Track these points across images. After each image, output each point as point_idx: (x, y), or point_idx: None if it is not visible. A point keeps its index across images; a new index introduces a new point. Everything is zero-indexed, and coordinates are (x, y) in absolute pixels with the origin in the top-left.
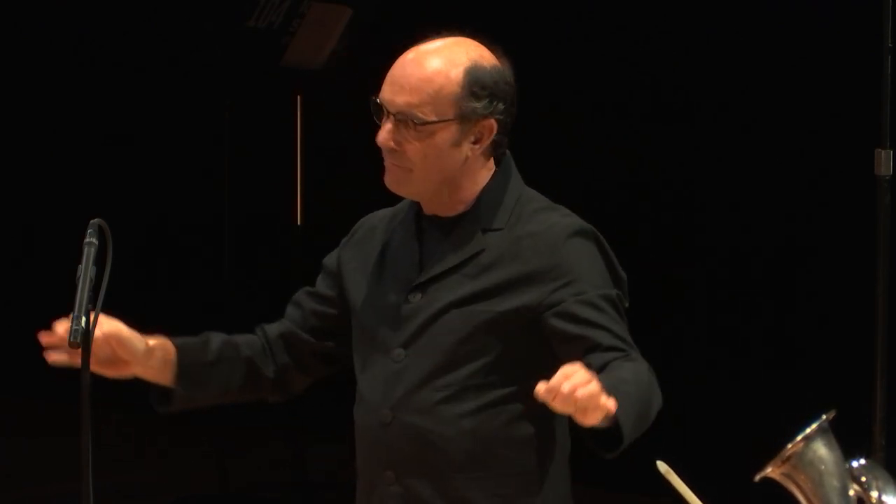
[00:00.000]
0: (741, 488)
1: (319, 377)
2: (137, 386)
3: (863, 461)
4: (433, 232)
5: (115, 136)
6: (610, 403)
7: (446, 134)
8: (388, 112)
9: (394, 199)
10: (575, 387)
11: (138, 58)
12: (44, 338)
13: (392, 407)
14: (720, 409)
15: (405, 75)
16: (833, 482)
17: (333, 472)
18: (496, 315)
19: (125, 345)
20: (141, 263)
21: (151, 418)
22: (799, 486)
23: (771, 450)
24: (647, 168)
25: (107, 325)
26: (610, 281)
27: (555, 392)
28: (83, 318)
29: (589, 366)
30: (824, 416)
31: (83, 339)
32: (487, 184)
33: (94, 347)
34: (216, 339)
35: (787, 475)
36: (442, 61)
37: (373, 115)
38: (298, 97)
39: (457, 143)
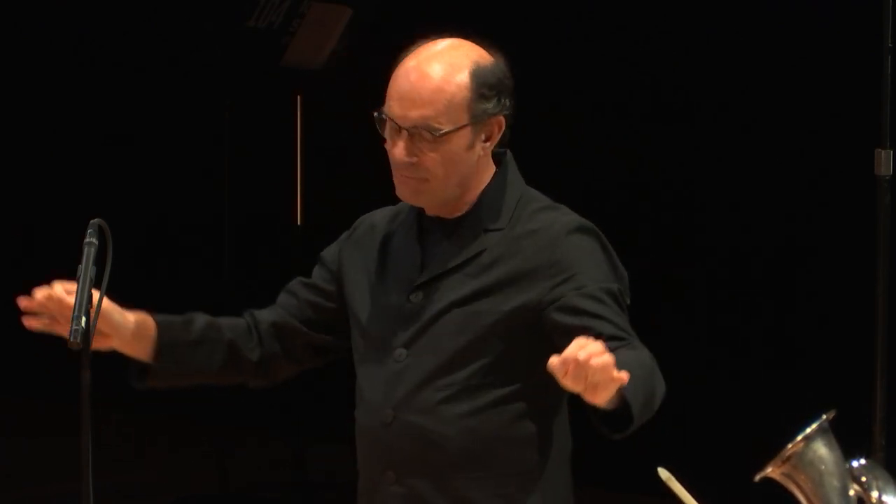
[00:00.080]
0: (741, 488)
1: (307, 367)
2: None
3: (863, 461)
4: (435, 232)
5: (115, 136)
6: (623, 375)
7: (461, 139)
8: (400, 127)
9: (394, 198)
10: (590, 355)
11: (138, 58)
12: (22, 302)
13: (393, 407)
14: (720, 409)
15: (414, 89)
16: (833, 482)
17: (333, 472)
18: (498, 314)
19: (105, 317)
20: (141, 263)
21: (151, 418)
22: (799, 486)
23: (771, 450)
24: (647, 168)
25: (94, 299)
26: (611, 276)
27: (568, 363)
28: (83, 318)
29: None
30: (824, 416)
31: (83, 339)
32: (489, 184)
33: (70, 314)
34: (200, 319)
35: (788, 475)
36: (447, 69)
37: (377, 127)
38: (298, 97)
39: (471, 146)
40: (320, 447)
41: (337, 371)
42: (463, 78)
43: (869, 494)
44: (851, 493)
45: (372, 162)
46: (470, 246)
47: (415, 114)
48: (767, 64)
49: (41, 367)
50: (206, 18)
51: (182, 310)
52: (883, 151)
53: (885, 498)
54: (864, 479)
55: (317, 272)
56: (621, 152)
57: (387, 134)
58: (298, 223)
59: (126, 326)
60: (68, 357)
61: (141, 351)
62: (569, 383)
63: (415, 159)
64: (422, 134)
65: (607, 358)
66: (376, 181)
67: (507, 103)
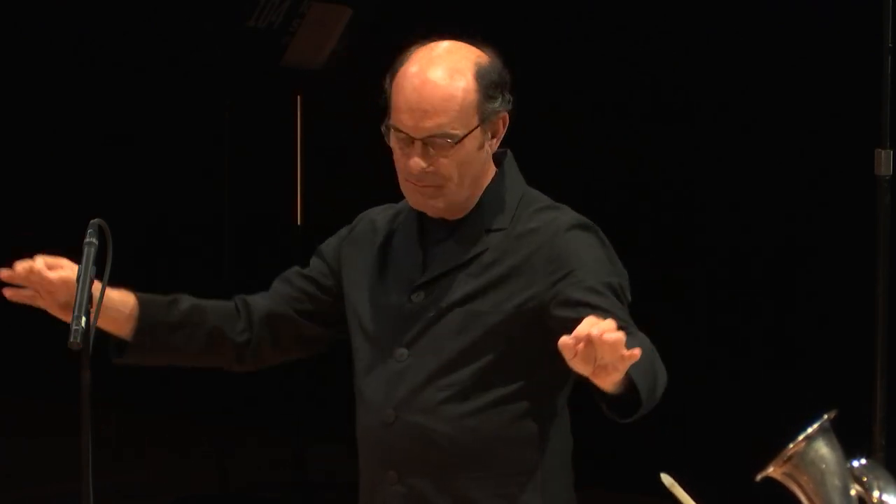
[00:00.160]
0: (741, 488)
1: (292, 357)
2: (138, 386)
3: (864, 461)
4: (436, 233)
5: (115, 136)
6: (635, 351)
7: (474, 140)
8: (413, 139)
9: (394, 198)
10: (602, 331)
11: (138, 58)
12: (3, 273)
13: (395, 407)
14: (720, 409)
15: (425, 99)
16: (835, 482)
17: (333, 472)
18: (499, 313)
19: None
20: (141, 263)
21: (151, 418)
22: (800, 486)
23: (771, 450)
24: (647, 168)
25: (65, 271)
26: (610, 271)
27: (580, 340)
28: (83, 318)
29: None
30: (826, 416)
31: (83, 339)
32: (490, 184)
33: (52, 288)
34: (185, 301)
35: (789, 475)
36: (452, 73)
37: (385, 139)
38: (298, 97)
39: (481, 146)
40: (320, 447)
41: (337, 371)
42: (469, 81)
43: (870, 494)
44: (853, 492)
45: (372, 162)
46: (472, 246)
47: (429, 123)
48: (767, 64)
49: (41, 367)
50: (206, 18)
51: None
52: (883, 151)
53: (885, 498)
54: (865, 478)
55: (315, 265)
56: (621, 152)
57: (397, 146)
58: (298, 223)
59: (105, 302)
60: (68, 357)
61: (119, 327)
62: (578, 365)
63: (430, 167)
64: (436, 142)
65: (620, 335)
66: (376, 181)
67: (509, 98)
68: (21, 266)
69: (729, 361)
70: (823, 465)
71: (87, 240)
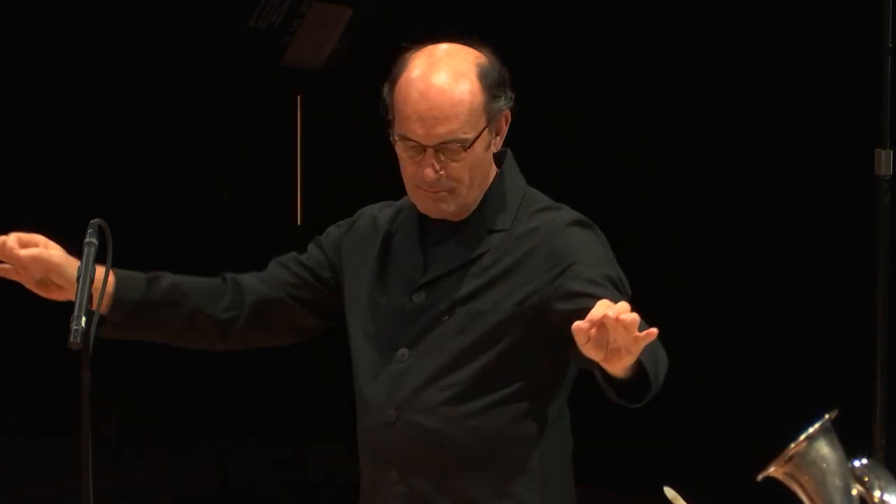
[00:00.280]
0: (741, 488)
1: (280, 343)
2: (138, 386)
3: (865, 461)
4: (437, 233)
5: (115, 136)
6: (652, 330)
7: (482, 141)
8: (425, 147)
9: (393, 197)
10: (618, 312)
11: (138, 58)
12: None
13: (396, 407)
14: (720, 409)
15: (434, 106)
16: (836, 481)
17: (333, 472)
18: (500, 312)
19: (57, 271)
20: (141, 263)
21: (151, 418)
22: (802, 486)
23: (771, 450)
24: (647, 168)
25: (37, 249)
26: (609, 265)
27: (594, 324)
28: (83, 318)
29: None
30: (827, 416)
31: (83, 339)
32: (492, 184)
33: (23, 264)
34: (165, 279)
35: (790, 474)
36: (458, 78)
37: (391, 141)
38: (298, 97)
39: (488, 146)
40: (320, 447)
41: (337, 371)
42: (474, 82)
43: (871, 494)
44: (854, 492)
45: (372, 162)
46: (473, 247)
47: (441, 130)
48: (767, 64)
49: (41, 367)
50: (206, 18)
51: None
52: (883, 151)
53: (886, 497)
54: (866, 478)
55: (314, 255)
56: (621, 152)
57: (406, 154)
58: (298, 223)
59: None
60: (68, 357)
61: (95, 303)
62: (590, 350)
63: (442, 172)
64: (448, 148)
65: (635, 316)
66: (376, 181)
67: (511, 95)
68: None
69: (729, 361)
70: (825, 465)
71: (87, 240)
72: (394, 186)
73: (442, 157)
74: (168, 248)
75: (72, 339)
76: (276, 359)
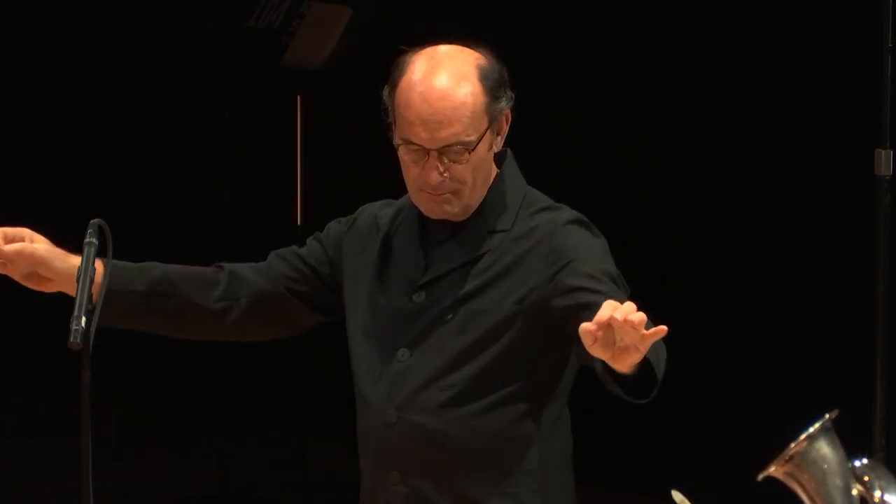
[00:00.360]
0: (741, 488)
1: (275, 337)
2: (138, 386)
3: (865, 461)
4: (437, 234)
5: (115, 136)
6: (661, 327)
7: (485, 143)
8: (428, 150)
9: (393, 197)
10: (625, 314)
11: (138, 58)
12: None
13: (397, 407)
14: (720, 409)
15: (437, 110)
16: (836, 481)
17: (333, 472)
18: (500, 312)
19: (43, 264)
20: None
21: (151, 418)
22: (802, 486)
23: (771, 450)
24: (647, 168)
25: (21, 244)
26: (608, 263)
27: (602, 327)
28: (83, 318)
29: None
30: (827, 416)
31: (83, 339)
32: (492, 185)
33: (9, 258)
34: (156, 269)
35: (791, 474)
36: (459, 80)
37: (394, 145)
38: (298, 97)
39: (490, 146)
40: (320, 447)
41: (337, 371)
42: (475, 84)
43: (871, 494)
44: (854, 492)
45: (372, 162)
46: (474, 247)
47: (444, 133)
48: (767, 64)
49: (41, 367)
50: (206, 18)
51: None
52: (883, 151)
53: (887, 497)
54: (866, 478)
55: (314, 250)
56: (621, 152)
57: (409, 158)
58: (298, 223)
59: (70, 271)
60: (68, 357)
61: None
62: (597, 350)
63: (446, 175)
64: (452, 150)
65: (642, 315)
66: (376, 181)
67: (511, 94)
68: None
69: (729, 361)
70: (825, 465)
71: (87, 240)
72: (394, 186)
73: (445, 160)
74: (168, 248)
75: (72, 339)
76: (276, 359)
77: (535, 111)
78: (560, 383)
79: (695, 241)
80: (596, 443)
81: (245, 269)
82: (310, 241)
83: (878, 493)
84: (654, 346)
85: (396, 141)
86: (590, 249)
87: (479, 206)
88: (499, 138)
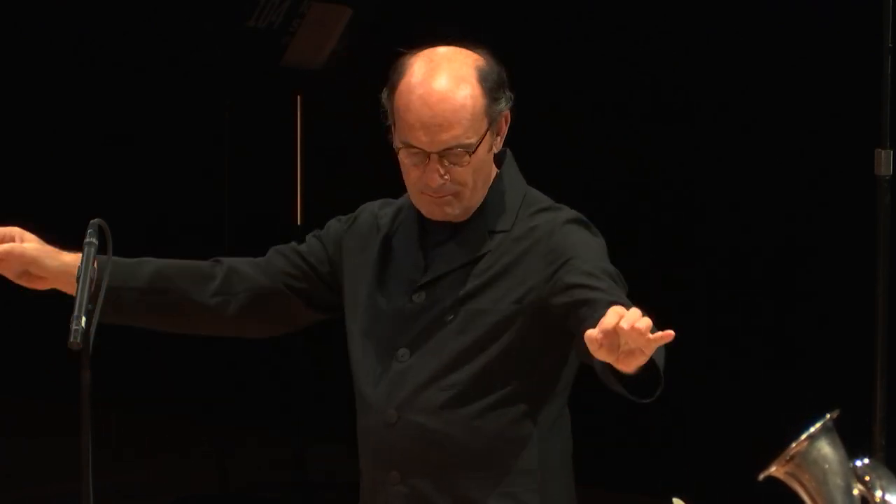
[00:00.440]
0: (741, 488)
1: (273, 334)
2: (138, 386)
3: (866, 460)
4: (437, 234)
5: (115, 136)
6: (668, 331)
7: (485, 144)
8: (428, 153)
9: (393, 196)
10: (631, 322)
11: (138, 58)
12: None
13: (397, 407)
14: (720, 409)
15: (437, 113)
16: (837, 481)
17: (333, 472)
18: (500, 312)
19: (34, 263)
20: None
21: (151, 418)
22: (803, 485)
23: (771, 450)
24: (647, 168)
25: (10, 245)
26: (606, 261)
27: (609, 335)
28: (83, 318)
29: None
30: (828, 416)
31: (83, 339)
32: (492, 185)
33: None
34: (150, 266)
35: (791, 474)
36: (458, 83)
37: (395, 148)
38: (298, 97)
39: (490, 147)
40: (320, 447)
41: (337, 371)
42: (475, 87)
43: (872, 494)
44: (855, 492)
45: (372, 162)
46: (474, 248)
47: (445, 137)
48: (767, 64)
49: (41, 367)
50: (206, 18)
51: None
52: (883, 151)
53: (888, 497)
54: (867, 478)
55: (314, 248)
56: (621, 152)
57: (410, 161)
58: (298, 223)
59: (61, 269)
60: (68, 357)
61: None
62: (602, 354)
63: (447, 177)
64: (452, 153)
65: (648, 321)
66: (376, 181)
67: (510, 95)
68: None
69: (729, 361)
70: (826, 465)
71: (87, 240)
72: (394, 186)
73: (446, 163)
74: (168, 248)
75: (72, 339)
76: (276, 359)
77: (535, 111)
78: (559, 382)
79: (695, 242)
80: (596, 443)
81: (243, 263)
82: (310, 238)
83: (879, 493)
84: (658, 349)
85: (396, 144)
86: (588, 248)
87: (480, 206)
88: (498, 139)
